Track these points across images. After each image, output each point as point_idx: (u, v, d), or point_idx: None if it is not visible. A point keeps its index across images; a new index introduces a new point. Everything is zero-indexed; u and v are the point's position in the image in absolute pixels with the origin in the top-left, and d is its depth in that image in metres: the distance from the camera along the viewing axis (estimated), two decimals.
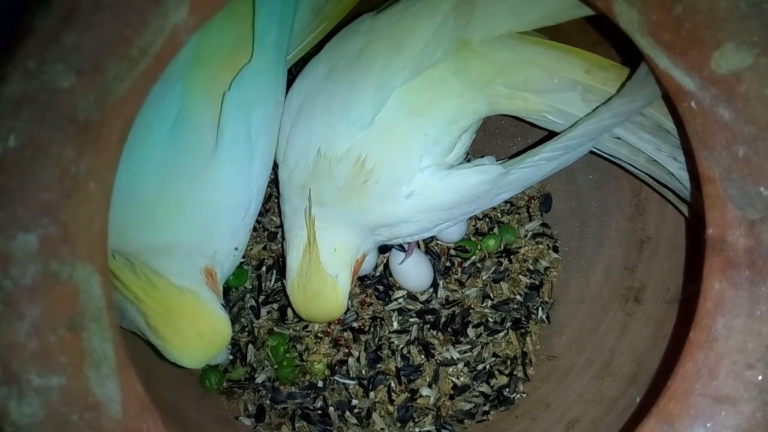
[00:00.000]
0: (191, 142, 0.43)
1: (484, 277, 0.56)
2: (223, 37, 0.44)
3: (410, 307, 0.55)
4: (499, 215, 0.59)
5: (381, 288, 0.56)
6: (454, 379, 0.54)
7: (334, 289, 0.46)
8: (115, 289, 0.39)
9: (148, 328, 0.41)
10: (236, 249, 0.46)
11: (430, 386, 0.54)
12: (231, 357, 0.53)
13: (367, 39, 0.45)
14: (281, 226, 0.55)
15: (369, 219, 0.46)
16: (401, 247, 0.53)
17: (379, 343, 0.54)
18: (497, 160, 0.47)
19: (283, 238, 0.50)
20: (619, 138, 0.45)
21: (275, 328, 0.54)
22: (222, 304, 0.43)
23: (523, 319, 0.56)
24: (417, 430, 0.53)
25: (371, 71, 0.44)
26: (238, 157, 0.44)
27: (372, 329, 0.54)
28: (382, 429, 0.53)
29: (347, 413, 0.53)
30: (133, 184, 0.41)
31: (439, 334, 0.55)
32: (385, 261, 0.55)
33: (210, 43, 0.43)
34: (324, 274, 0.46)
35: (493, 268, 0.57)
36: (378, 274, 0.56)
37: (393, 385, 0.53)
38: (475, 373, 0.54)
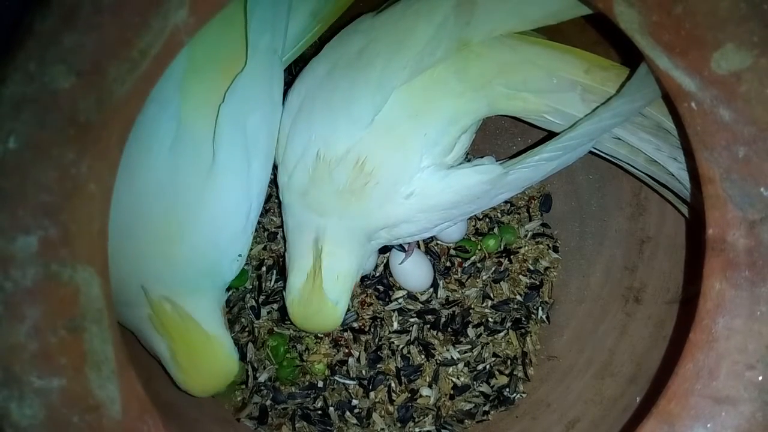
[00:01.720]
0: (191, 159, 0.43)
1: (484, 277, 0.56)
2: (218, 48, 0.44)
3: (410, 307, 0.55)
4: (499, 215, 0.59)
5: (381, 288, 0.56)
6: (454, 379, 0.54)
7: (334, 312, 0.47)
8: (149, 322, 0.44)
9: (171, 360, 0.45)
10: (240, 255, 0.47)
11: (430, 386, 0.54)
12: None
13: (367, 38, 0.45)
14: (281, 226, 0.55)
15: (370, 223, 0.46)
16: (401, 247, 0.53)
17: (379, 343, 0.54)
18: (497, 160, 0.47)
19: (283, 239, 0.50)
20: (619, 138, 0.45)
21: (275, 328, 0.54)
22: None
23: (523, 319, 0.56)
24: (417, 430, 0.53)
25: (372, 70, 0.44)
26: (235, 166, 0.44)
27: (372, 329, 0.54)
28: (382, 429, 0.53)
29: (347, 413, 0.53)
30: (138, 214, 0.42)
31: (439, 334, 0.55)
32: (385, 261, 0.55)
33: (204, 55, 0.43)
34: (325, 300, 0.47)
35: (493, 268, 0.57)
36: (378, 274, 0.56)
37: (393, 385, 0.53)
38: (475, 373, 0.54)
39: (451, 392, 0.54)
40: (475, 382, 0.54)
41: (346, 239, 0.46)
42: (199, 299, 0.45)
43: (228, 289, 0.54)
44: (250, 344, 0.54)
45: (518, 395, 0.54)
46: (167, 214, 0.43)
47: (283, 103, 0.47)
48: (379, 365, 0.54)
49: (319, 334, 0.54)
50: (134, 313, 0.44)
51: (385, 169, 0.44)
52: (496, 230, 0.58)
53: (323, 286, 0.46)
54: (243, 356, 0.54)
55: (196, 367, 0.46)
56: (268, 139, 0.46)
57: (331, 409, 0.53)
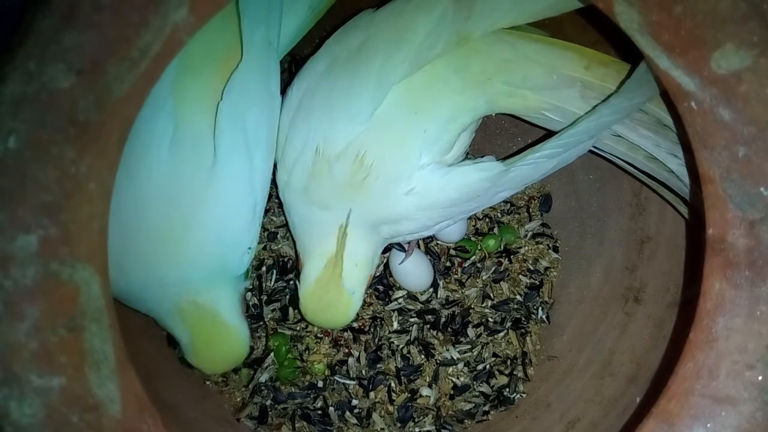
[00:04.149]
0: (191, 158, 0.43)
1: (484, 277, 0.56)
2: (212, 44, 0.44)
3: (410, 307, 0.55)
4: (499, 215, 0.58)
5: (381, 288, 0.56)
6: (454, 379, 0.54)
7: (348, 304, 0.47)
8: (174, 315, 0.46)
9: (189, 345, 0.47)
10: (249, 248, 0.47)
11: (430, 386, 0.54)
12: None
13: (366, 34, 0.45)
14: (281, 226, 0.55)
15: (371, 216, 0.46)
16: (401, 247, 0.53)
17: (379, 343, 0.54)
18: (497, 160, 0.47)
19: (285, 238, 0.49)
20: (619, 135, 0.45)
21: (277, 328, 0.54)
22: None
23: (523, 319, 0.56)
24: (417, 430, 0.53)
25: (371, 65, 0.44)
26: (238, 160, 0.44)
27: (372, 329, 0.54)
28: (382, 429, 0.53)
29: (347, 413, 0.53)
30: (141, 217, 0.42)
31: (439, 334, 0.55)
32: (385, 261, 0.55)
33: (198, 52, 0.43)
34: (342, 289, 0.47)
35: (493, 268, 0.57)
36: (378, 274, 0.56)
37: (393, 385, 0.53)
38: (475, 373, 0.54)
39: (451, 392, 0.54)
40: (475, 382, 0.54)
41: (363, 226, 0.46)
42: (218, 292, 0.47)
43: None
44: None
45: (518, 395, 0.54)
46: (172, 215, 0.43)
47: (282, 100, 0.47)
48: (379, 365, 0.54)
49: (319, 334, 0.54)
50: (152, 305, 0.46)
51: (384, 164, 0.44)
52: (496, 230, 0.58)
53: (342, 274, 0.46)
54: (246, 357, 0.54)
55: (211, 353, 0.48)
56: (268, 131, 0.46)
57: (331, 409, 0.53)
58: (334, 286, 0.47)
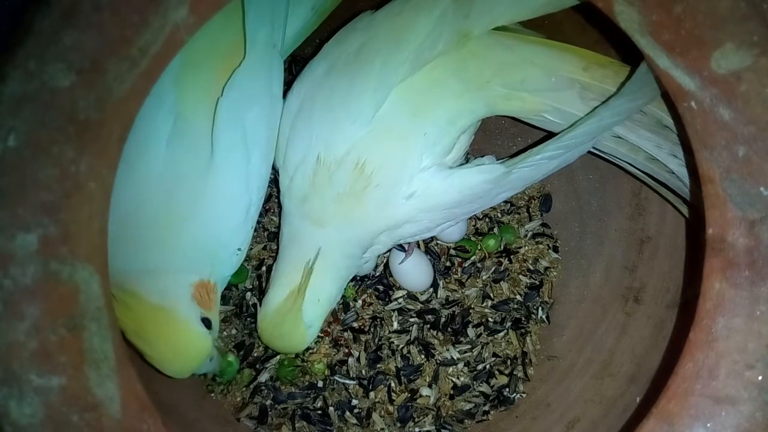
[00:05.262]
0: (189, 154, 0.43)
1: (484, 277, 0.56)
2: (215, 42, 0.44)
3: (410, 307, 0.55)
4: (499, 215, 0.59)
5: (381, 288, 0.56)
6: (454, 379, 0.54)
7: (303, 336, 0.47)
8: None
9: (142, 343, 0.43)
10: (239, 249, 0.47)
11: (430, 386, 0.54)
12: (233, 362, 0.53)
13: (366, 35, 0.45)
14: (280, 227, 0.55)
15: (370, 228, 0.45)
16: (401, 247, 0.53)
17: (379, 343, 0.54)
18: (497, 160, 0.47)
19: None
20: (619, 136, 0.45)
21: None
22: (205, 318, 0.45)
23: (523, 319, 0.56)
24: (417, 430, 0.53)
25: (371, 67, 0.44)
26: (235, 160, 0.44)
27: (372, 329, 0.54)
28: (382, 429, 0.53)
29: (347, 413, 0.53)
30: (135, 207, 0.42)
31: (439, 334, 0.55)
32: (385, 261, 0.55)
33: (201, 49, 0.43)
34: (300, 321, 0.46)
35: (493, 268, 0.57)
36: (378, 274, 0.56)
37: (393, 385, 0.53)
38: (475, 373, 0.54)
39: (451, 392, 0.54)
40: (475, 382, 0.54)
41: (338, 259, 0.46)
42: (163, 274, 0.43)
43: (228, 287, 0.54)
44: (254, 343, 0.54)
45: (518, 395, 0.54)
46: (167, 209, 0.43)
47: (283, 103, 0.47)
48: (379, 365, 0.54)
49: (319, 334, 0.54)
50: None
51: (385, 171, 0.44)
52: (496, 230, 0.58)
53: (302, 308, 0.46)
54: (247, 356, 0.54)
55: (150, 345, 0.43)
56: (268, 132, 0.46)
57: (331, 409, 0.53)
58: (292, 318, 0.46)
